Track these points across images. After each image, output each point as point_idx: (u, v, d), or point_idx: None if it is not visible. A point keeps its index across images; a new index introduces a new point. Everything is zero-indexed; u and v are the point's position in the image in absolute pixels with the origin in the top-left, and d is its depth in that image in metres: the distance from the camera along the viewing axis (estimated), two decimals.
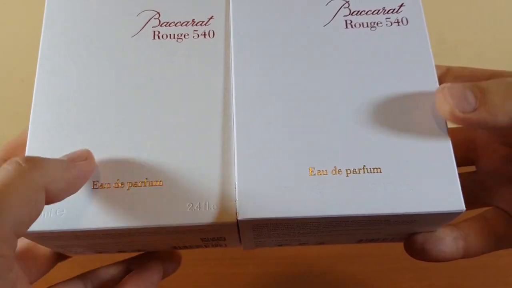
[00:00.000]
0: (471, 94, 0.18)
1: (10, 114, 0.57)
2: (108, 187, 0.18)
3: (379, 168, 0.18)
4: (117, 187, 0.18)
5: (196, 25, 0.21)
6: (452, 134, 0.21)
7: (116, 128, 0.19)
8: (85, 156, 0.18)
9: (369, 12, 0.21)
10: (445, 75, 0.24)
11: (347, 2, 0.21)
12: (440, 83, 0.23)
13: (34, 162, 0.17)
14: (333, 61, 0.20)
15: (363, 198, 0.18)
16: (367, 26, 0.21)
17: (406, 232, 0.21)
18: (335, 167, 0.18)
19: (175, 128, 0.19)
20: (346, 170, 0.18)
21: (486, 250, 0.23)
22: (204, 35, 0.21)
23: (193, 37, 0.21)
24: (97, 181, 0.18)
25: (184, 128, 0.19)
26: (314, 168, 0.18)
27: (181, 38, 0.21)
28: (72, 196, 0.17)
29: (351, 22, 0.21)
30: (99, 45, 0.21)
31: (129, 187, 0.18)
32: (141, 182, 0.18)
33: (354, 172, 0.18)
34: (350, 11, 0.21)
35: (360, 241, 0.23)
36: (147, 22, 0.21)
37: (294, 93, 0.20)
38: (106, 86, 0.20)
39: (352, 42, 0.20)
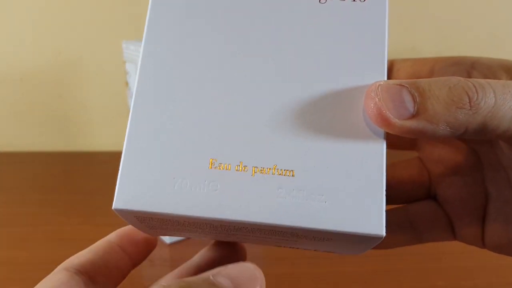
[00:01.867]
0: (409, 97, 0.15)
1: (10, 114, 0.57)
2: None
3: (292, 170, 0.15)
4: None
5: None
6: (405, 167, 0.21)
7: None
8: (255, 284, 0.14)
9: None
10: (389, 70, 0.21)
11: None
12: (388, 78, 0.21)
13: None
14: (265, 34, 0.16)
15: (266, 203, 0.15)
16: None
17: (328, 250, 0.19)
18: (240, 162, 0.15)
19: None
20: (253, 168, 0.15)
21: (402, 244, 0.22)
22: None
23: None
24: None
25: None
26: (216, 160, 0.15)
27: None
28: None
29: None
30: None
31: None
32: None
33: (262, 171, 0.15)
34: None
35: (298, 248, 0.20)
36: None
37: (208, 68, 0.16)
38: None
39: (292, 14, 0.17)
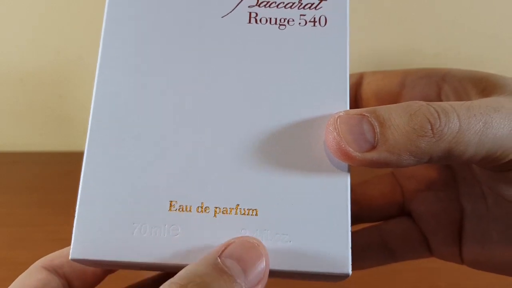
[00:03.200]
0: (369, 127, 0.14)
1: (10, 114, 0.57)
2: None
3: (256, 209, 0.15)
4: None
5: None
6: (377, 183, 0.20)
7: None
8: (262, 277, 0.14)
9: (281, 5, 0.17)
10: (359, 83, 0.21)
11: None
12: (356, 91, 0.20)
13: None
14: (224, 65, 0.16)
15: None
16: (276, 23, 0.16)
17: (302, 279, 0.19)
18: (202, 203, 0.15)
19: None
20: (215, 209, 0.15)
21: (375, 263, 0.22)
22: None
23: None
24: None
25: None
26: (176, 202, 0.15)
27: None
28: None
29: (256, 15, 0.17)
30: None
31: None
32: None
33: (224, 212, 0.15)
34: (257, 1, 0.17)
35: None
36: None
37: (164, 104, 0.16)
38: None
39: (253, 43, 0.16)
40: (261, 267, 0.14)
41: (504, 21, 0.54)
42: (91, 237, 0.14)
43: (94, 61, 0.58)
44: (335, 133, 0.15)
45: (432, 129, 0.14)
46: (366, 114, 0.15)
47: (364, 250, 0.21)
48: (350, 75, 0.18)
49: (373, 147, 0.14)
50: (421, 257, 0.22)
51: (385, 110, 0.15)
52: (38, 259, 0.22)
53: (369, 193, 0.22)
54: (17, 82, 0.56)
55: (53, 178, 0.51)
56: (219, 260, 0.13)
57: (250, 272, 0.13)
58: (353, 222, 0.20)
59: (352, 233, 0.17)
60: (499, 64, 0.56)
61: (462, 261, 0.21)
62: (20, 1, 0.53)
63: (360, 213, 0.22)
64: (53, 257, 0.18)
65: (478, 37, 0.55)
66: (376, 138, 0.14)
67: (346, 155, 0.15)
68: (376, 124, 0.14)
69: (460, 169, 0.21)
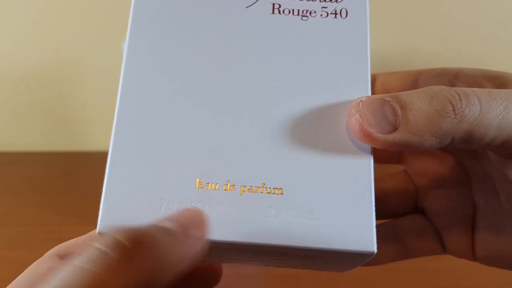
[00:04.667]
0: (391, 111, 0.15)
1: (10, 114, 0.57)
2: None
3: (281, 189, 0.15)
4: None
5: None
6: (391, 181, 0.20)
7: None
8: (200, 222, 0.13)
9: None
10: (372, 83, 0.20)
11: None
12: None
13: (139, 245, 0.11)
14: (248, 54, 0.16)
15: (255, 222, 0.15)
16: (298, 14, 0.17)
17: (317, 269, 0.18)
18: (228, 181, 0.15)
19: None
20: (241, 187, 0.15)
21: (388, 260, 0.22)
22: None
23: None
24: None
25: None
26: (203, 180, 0.15)
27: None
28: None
29: (280, 7, 0.17)
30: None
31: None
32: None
33: (251, 190, 0.15)
34: None
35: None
36: None
37: (193, 87, 0.16)
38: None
39: (276, 32, 0.17)
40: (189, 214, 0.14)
41: (504, 21, 0.54)
42: (118, 211, 0.14)
43: (94, 61, 0.59)
44: (357, 115, 0.15)
45: (453, 110, 0.14)
46: (387, 99, 0.15)
47: (379, 246, 0.21)
48: None
49: (395, 129, 0.15)
50: (434, 254, 0.22)
51: (406, 94, 0.15)
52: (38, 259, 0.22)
53: (382, 189, 0.22)
54: (18, 82, 0.56)
55: (53, 178, 0.51)
56: (156, 223, 0.13)
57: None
58: None
59: None
60: (498, 64, 0.56)
61: (474, 258, 0.21)
62: (21, 1, 0.53)
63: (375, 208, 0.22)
64: (68, 245, 0.17)
65: (478, 37, 0.55)
66: (398, 120, 0.15)
67: (368, 137, 0.15)
68: (398, 107, 0.15)
69: (472, 166, 0.21)
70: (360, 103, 0.15)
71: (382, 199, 0.21)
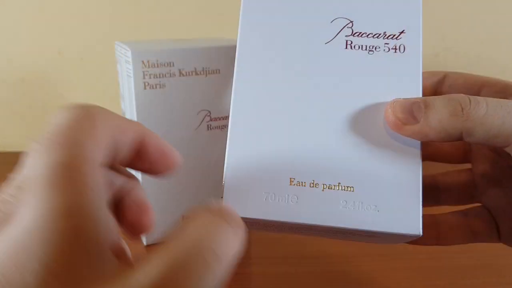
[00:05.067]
0: (418, 109, 0.19)
1: (11, 114, 0.58)
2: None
3: (352, 187, 0.20)
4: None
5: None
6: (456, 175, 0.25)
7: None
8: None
9: (370, 35, 0.22)
10: (441, 82, 0.25)
11: (351, 22, 0.22)
12: (436, 89, 0.25)
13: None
14: (328, 80, 0.21)
15: (334, 211, 0.19)
16: (366, 49, 0.21)
17: (376, 242, 0.23)
18: (313, 180, 0.20)
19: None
20: (323, 185, 0.20)
21: (460, 241, 0.25)
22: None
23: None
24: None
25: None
26: (294, 178, 0.20)
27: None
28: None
29: (351, 43, 0.21)
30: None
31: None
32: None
33: (330, 187, 0.20)
34: (352, 31, 0.22)
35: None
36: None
37: (287, 106, 0.21)
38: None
39: (349, 63, 0.21)
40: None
41: (503, 22, 0.54)
42: (238, 201, 0.20)
43: (94, 61, 0.59)
44: (390, 110, 0.20)
45: (462, 110, 0.19)
46: (418, 100, 0.19)
47: (453, 230, 0.25)
48: (435, 73, 0.25)
49: (417, 122, 0.19)
50: (492, 241, 0.25)
51: (433, 97, 0.19)
52: None
53: (448, 181, 0.27)
54: (18, 82, 0.56)
55: None
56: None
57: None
58: (433, 203, 0.27)
59: (442, 215, 0.26)
60: (497, 64, 0.56)
61: None
62: (21, 1, 0.53)
63: (439, 195, 0.27)
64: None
65: (477, 37, 0.55)
66: (421, 116, 0.19)
67: (397, 126, 0.20)
68: (423, 106, 0.19)
69: None
70: (394, 103, 0.20)
71: (447, 188, 0.27)
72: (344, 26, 0.22)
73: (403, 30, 0.22)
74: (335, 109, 0.21)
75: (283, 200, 0.20)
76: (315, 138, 0.20)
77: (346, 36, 0.22)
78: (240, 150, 0.20)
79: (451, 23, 0.55)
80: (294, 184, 0.20)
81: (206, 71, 0.32)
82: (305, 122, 0.21)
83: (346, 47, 0.21)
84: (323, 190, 0.20)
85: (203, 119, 0.33)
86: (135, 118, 0.31)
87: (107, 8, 0.54)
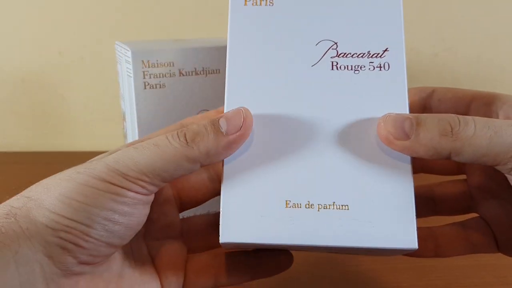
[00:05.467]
0: (410, 125, 0.19)
1: (11, 114, 0.58)
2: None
3: (347, 205, 0.20)
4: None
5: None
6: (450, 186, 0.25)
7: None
8: (239, 125, 0.20)
9: (354, 55, 0.22)
10: (430, 97, 0.25)
11: (336, 43, 0.22)
12: (426, 103, 0.25)
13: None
14: (317, 101, 0.21)
15: (330, 231, 0.20)
16: (351, 69, 0.22)
17: (373, 255, 0.24)
18: (308, 201, 0.20)
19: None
20: (318, 205, 0.20)
21: (458, 253, 0.25)
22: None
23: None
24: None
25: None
26: (290, 201, 0.20)
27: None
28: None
29: (337, 64, 0.22)
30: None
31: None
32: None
33: (325, 207, 0.20)
34: (337, 52, 0.22)
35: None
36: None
37: (279, 129, 0.21)
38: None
39: (336, 84, 0.22)
40: (239, 121, 0.20)
41: (502, 22, 0.54)
42: (233, 225, 0.20)
43: (95, 62, 0.59)
44: (382, 124, 0.20)
45: (451, 131, 0.19)
46: (410, 117, 0.20)
47: (452, 242, 0.25)
48: (422, 89, 0.25)
49: (408, 138, 0.19)
50: (490, 252, 0.25)
51: (425, 115, 0.20)
52: None
53: (444, 191, 0.27)
54: (19, 82, 0.56)
55: None
56: (216, 119, 0.20)
57: (230, 123, 0.20)
58: (430, 213, 0.27)
59: (440, 227, 0.26)
60: (497, 64, 0.56)
61: None
62: (22, 1, 0.53)
63: (435, 206, 0.27)
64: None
65: (477, 37, 0.55)
66: (412, 133, 0.19)
67: (388, 140, 0.20)
68: (415, 123, 0.19)
69: None
70: (387, 117, 0.20)
71: (442, 198, 0.27)
72: (329, 48, 0.22)
73: (387, 48, 0.22)
74: (325, 129, 0.21)
75: (279, 223, 0.20)
76: (308, 159, 0.21)
77: (331, 57, 0.22)
78: (238, 177, 0.21)
79: (451, 23, 0.55)
80: (290, 207, 0.20)
81: (206, 71, 0.32)
82: (298, 142, 0.21)
83: (332, 68, 0.22)
84: (318, 210, 0.20)
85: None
86: (135, 118, 0.31)
87: (107, 8, 0.54)
